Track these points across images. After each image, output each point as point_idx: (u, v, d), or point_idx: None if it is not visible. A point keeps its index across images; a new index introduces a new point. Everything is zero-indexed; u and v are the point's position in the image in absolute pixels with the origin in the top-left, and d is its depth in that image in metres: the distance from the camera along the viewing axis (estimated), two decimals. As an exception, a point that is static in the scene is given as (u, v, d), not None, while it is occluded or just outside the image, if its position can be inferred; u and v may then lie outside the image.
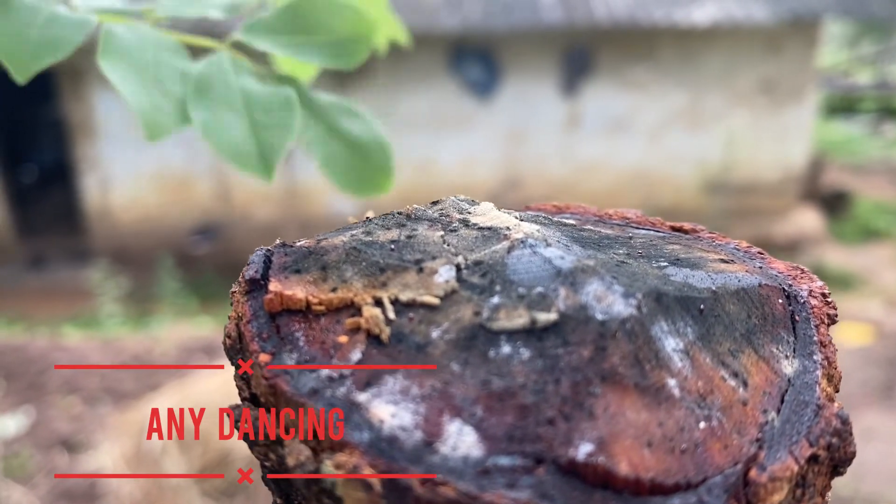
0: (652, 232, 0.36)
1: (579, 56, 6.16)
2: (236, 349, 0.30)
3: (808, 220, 6.67)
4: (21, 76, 0.48)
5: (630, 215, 0.38)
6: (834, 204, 7.33)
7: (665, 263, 0.32)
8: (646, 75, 6.22)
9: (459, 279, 0.29)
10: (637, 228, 0.37)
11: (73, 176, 6.20)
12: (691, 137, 6.42)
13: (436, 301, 0.29)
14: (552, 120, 6.31)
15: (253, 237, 6.22)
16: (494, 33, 5.78)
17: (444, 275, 0.30)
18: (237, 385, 0.30)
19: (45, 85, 6.30)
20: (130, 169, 6.07)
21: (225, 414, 0.28)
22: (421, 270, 0.30)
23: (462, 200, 0.37)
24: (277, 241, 0.33)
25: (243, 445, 3.19)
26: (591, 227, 0.35)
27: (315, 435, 0.25)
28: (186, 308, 5.22)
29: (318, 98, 0.57)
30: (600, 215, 0.38)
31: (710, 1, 5.83)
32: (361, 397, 0.26)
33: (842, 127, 10.80)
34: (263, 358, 0.28)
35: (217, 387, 3.43)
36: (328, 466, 0.24)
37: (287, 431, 0.26)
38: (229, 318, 0.32)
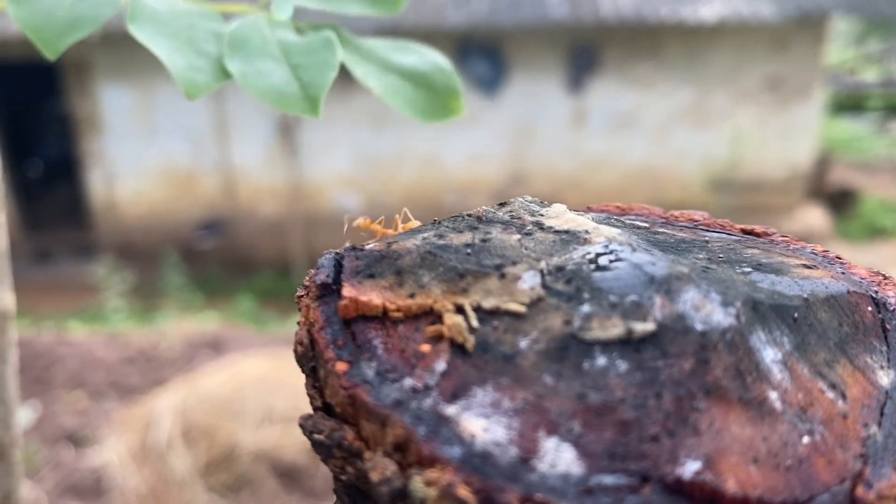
0: (725, 235, 0.35)
1: (585, 53, 6.14)
2: (308, 357, 0.29)
3: (814, 217, 6.65)
4: (51, 53, 0.48)
5: (697, 217, 0.36)
6: (840, 202, 7.30)
7: (748, 269, 0.30)
8: (652, 72, 6.20)
9: (544, 286, 0.28)
10: (707, 231, 0.35)
11: (78, 171, 6.19)
12: (697, 135, 6.40)
13: (522, 309, 0.27)
14: (558, 117, 6.29)
15: (258, 233, 6.22)
16: (501, 29, 5.76)
17: (529, 281, 0.28)
18: (309, 394, 0.29)
19: (51, 80, 6.29)
20: (136, 164, 6.06)
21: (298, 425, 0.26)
22: (503, 276, 0.29)
23: (531, 202, 0.35)
24: (347, 245, 0.32)
25: (249, 440, 3.19)
26: (664, 230, 0.34)
27: (400, 448, 0.24)
28: (192, 303, 5.21)
29: (364, 41, 0.56)
30: (666, 217, 0.37)
31: (717, -3, 5.82)
32: (450, 410, 0.24)
33: (848, 125, 10.76)
34: (340, 367, 0.27)
35: (223, 381, 3.43)
36: (418, 483, 0.23)
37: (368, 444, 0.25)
38: (298, 324, 0.30)
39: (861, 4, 5.92)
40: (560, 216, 0.32)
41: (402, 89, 0.54)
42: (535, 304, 0.27)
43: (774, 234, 0.35)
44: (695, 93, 6.29)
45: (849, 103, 10.91)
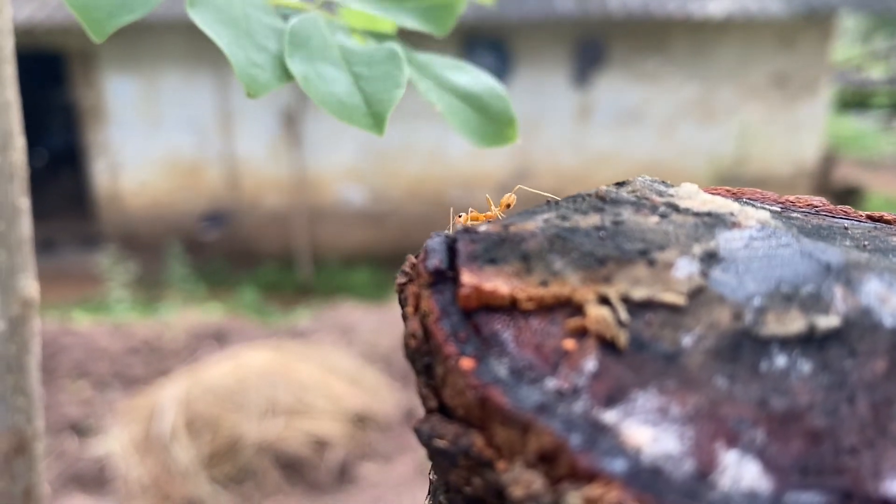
0: (856, 222, 0.32)
1: (592, 47, 6.10)
2: (422, 351, 0.26)
3: (820, 215, 6.62)
4: (97, 35, 0.45)
5: (816, 202, 0.33)
6: (845, 199, 7.28)
7: (903, 258, 0.27)
8: (658, 67, 6.17)
9: (703, 273, 0.25)
10: (834, 217, 0.32)
11: (83, 161, 6.16)
12: (703, 130, 6.37)
13: (681, 301, 0.24)
14: (564, 111, 6.25)
15: (262, 224, 6.19)
16: (507, 23, 5.72)
17: (684, 268, 0.25)
18: (422, 394, 0.25)
19: (57, 69, 6.26)
20: (140, 154, 6.03)
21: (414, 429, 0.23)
22: (652, 263, 0.25)
23: (654, 181, 0.32)
24: (460, 227, 0.28)
25: (252, 432, 3.17)
26: (796, 215, 0.31)
27: (546, 460, 0.21)
28: (195, 294, 5.19)
29: (418, 55, 0.54)
30: (782, 202, 0.33)
31: (725, -7, 5.78)
32: (607, 416, 0.21)
33: (854, 122, 10.74)
34: (466, 364, 0.23)
35: (227, 373, 3.41)
36: (575, 500, 0.19)
37: (501, 454, 0.22)
38: (404, 315, 0.27)
39: (869, 1, 5.88)
40: (693, 196, 0.29)
41: (460, 110, 0.52)
42: (694, 294, 0.24)
43: (904, 221, 0.32)
44: (701, 88, 6.26)
45: (855, 100, 10.88)
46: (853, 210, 0.33)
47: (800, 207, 0.33)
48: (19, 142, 0.71)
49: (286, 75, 0.47)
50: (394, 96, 0.47)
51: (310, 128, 6.04)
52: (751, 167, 6.43)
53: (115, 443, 3.24)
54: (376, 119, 0.46)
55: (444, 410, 0.25)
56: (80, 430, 3.46)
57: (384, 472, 3.17)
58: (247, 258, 6.13)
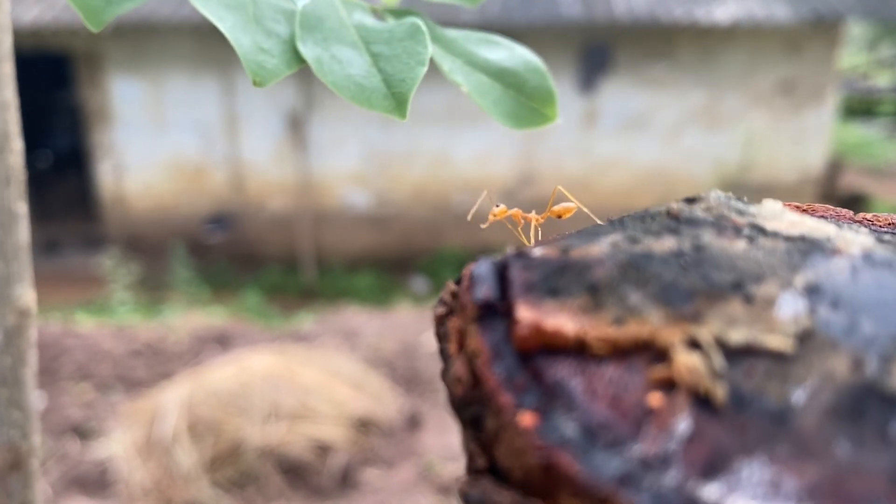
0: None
1: (598, 53, 6.08)
2: (471, 400, 0.22)
3: (828, 223, 6.58)
4: (94, 24, 0.42)
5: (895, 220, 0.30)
6: (851, 207, 7.17)
7: None
8: (664, 73, 6.14)
9: (812, 312, 0.21)
10: (922, 240, 0.29)
11: (87, 162, 6.15)
12: (709, 137, 6.34)
13: (788, 346, 0.20)
14: (569, 116, 6.22)
15: (266, 228, 6.17)
16: (513, 27, 5.68)
17: (789, 306, 0.21)
18: (468, 450, 0.21)
19: (62, 71, 6.25)
20: (145, 156, 6.02)
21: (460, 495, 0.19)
22: (749, 299, 0.21)
23: (729, 198, 0.28)
24: (511, 250, 0.24)
25: (255, 436, 3.15)
26: (889, 238, 0.27)
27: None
28: (198, 297, 5.17)
29: (445, 31, 0.50)
30: (859, 220, 0.30)
31: (731, -1, 5.76)
32: (707, 492, 0.17)
33: (860, 129, 10.70)
34: (527, 419, 0.19)
35: (230, 376, 3.38)
36: None
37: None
38: (445, 353, 0.23)
39: (877, 8, 5.85)
40: (780, 217, 0.25)
41: (490, 89, 0.47)
42: (803, 338, 0.20)
43: None
44: (707, 94, 6.23)
45: (861, 108, 10.84)
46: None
47: (881, 228, 0.29)
48: (17, 144, 0.67)
49: (297, 60, 0.43)
50: (416, 74, 0.43)
51: (315, 131, 6.02)
52: (756, 174, 6.40)
53: (117, 446, 3.22)
54: (398, 101, 0.42)
55: (494, 470, 0.21)
56: (82, 432, 3.45)
57: (387, 477, 3.14)
58: (251, 261, 6.11)
